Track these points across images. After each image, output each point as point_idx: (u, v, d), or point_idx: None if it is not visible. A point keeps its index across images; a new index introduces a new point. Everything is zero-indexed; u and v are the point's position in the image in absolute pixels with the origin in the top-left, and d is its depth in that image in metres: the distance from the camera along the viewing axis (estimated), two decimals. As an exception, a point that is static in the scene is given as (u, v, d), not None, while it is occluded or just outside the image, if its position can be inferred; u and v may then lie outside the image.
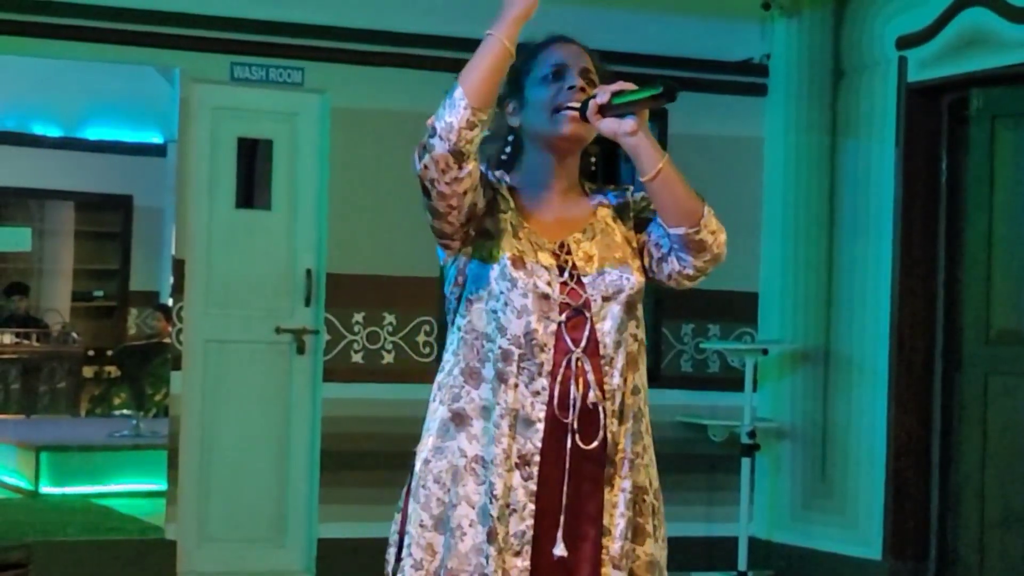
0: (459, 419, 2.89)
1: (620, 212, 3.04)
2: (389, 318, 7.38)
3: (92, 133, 13.28)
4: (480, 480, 2.85)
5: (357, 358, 7.32)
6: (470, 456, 2.87)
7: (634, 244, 3.00)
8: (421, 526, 2.89)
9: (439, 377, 2.96)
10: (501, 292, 2.88)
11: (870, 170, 7.41)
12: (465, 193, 2.80)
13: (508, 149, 3.02)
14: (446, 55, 7.08)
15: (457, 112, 2.72)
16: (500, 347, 2.87)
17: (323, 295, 7.28)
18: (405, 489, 2.96)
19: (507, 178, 3.02)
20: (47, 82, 11.96)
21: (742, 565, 7.50)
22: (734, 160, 7.80)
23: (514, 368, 2.86)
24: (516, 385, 2.86)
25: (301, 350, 7.25)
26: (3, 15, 6.86)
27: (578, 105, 2.90)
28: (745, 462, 7.53)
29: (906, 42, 7.20)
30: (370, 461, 7.25)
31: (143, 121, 13.04)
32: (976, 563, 6.91)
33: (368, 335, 7.34)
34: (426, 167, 2.76)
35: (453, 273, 2.97)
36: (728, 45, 7.88)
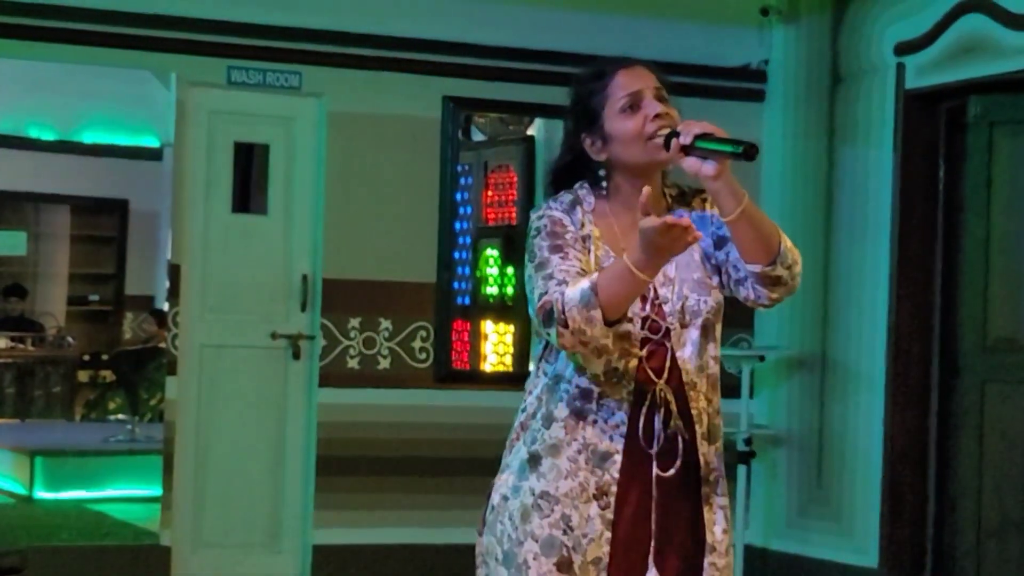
0: (534, 460, 2.99)
1: (699, 227, 3.03)
2: (385, 323, 7.36)
3: (88, 137, 13.26)
4: (545, 514, 2.95)
5: (353, 363, 7.30)
6: (537, 493, 2.97)
7: (712, 261, 3.03)
8: (496, 560, 3.01)
9: (521, 417, 3.05)
10: None
11: (868, 176, 7.40)
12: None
13: (605, 183, 3.03)
14: (443, 60, 6.99)
15: (595, 327, 2.82)
16: (578, 386, 2.96)
17: (319, 300, 7.26)
18: (481, 518, 3.06)
19: (591, 197, 3.03)
20: (43, 85, 11.94)
21: (738, 573, 7.48)
22: (731, 165, 7.76)
23: (593, 405, 2.95)
24: (595, 421, 2.95)
25: (297, 355, 7.23)
26: (-1, 18, 6.86)
27: (664, 135, 2.94)
28: (741, 469, 7.52)
29: (904, 48, 7.19)
30: (366, 467, 7.24)
31: (139, 125, 13.02)
32: (973, 571, 6.89)
33: (364, 340, 7.32)
34: (559, 344, 2.88)
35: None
36: (726, 50, 7.87)
